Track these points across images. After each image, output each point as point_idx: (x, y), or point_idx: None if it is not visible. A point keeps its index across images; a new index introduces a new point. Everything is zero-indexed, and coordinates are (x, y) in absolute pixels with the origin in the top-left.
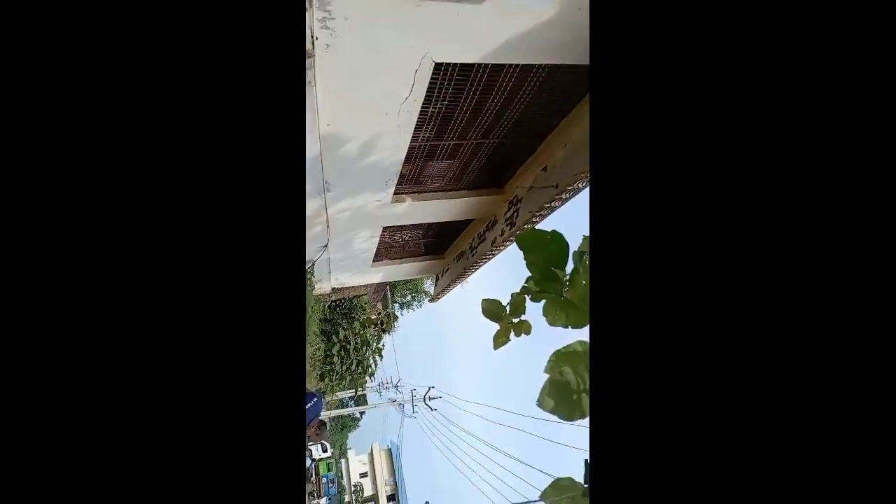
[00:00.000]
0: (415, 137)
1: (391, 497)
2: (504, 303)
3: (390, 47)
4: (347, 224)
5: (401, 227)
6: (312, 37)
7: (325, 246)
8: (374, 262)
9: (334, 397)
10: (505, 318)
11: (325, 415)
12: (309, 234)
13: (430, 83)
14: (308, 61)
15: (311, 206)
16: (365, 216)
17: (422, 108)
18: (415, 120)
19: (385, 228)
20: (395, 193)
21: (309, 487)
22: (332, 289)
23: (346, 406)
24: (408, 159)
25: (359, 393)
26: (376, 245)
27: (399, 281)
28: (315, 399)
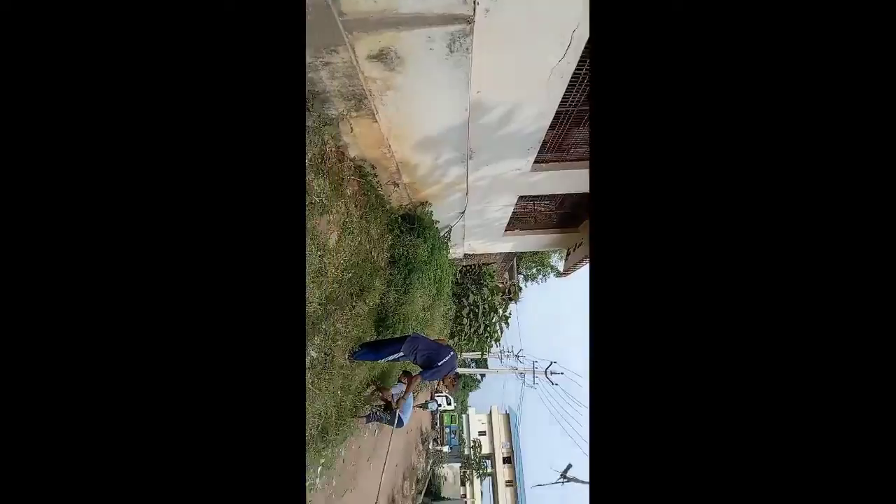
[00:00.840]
0: (562, 102)
1: (507, 459)
2: None
3: (550, 6)
4: (485, 192)
5: (536, 197)
6: (474, 2)
7: (463, 213)
8: (506, 231)
9: (459, 356)
10: None
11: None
12: (449, 199)
13: (587, 44)
14: (467, 27)
15: (454, 172)
16: (503, 184)
17: (574, 71)
18: (565, 84)
19: (521, 198)
20: (536, 162)
21: (434, 434)
22: (465, 255)
23: (469, 367)
24: (552, 126)
25: (483, 356)
26: (510, 214)
27: (526, 253)
28: (451, 353)
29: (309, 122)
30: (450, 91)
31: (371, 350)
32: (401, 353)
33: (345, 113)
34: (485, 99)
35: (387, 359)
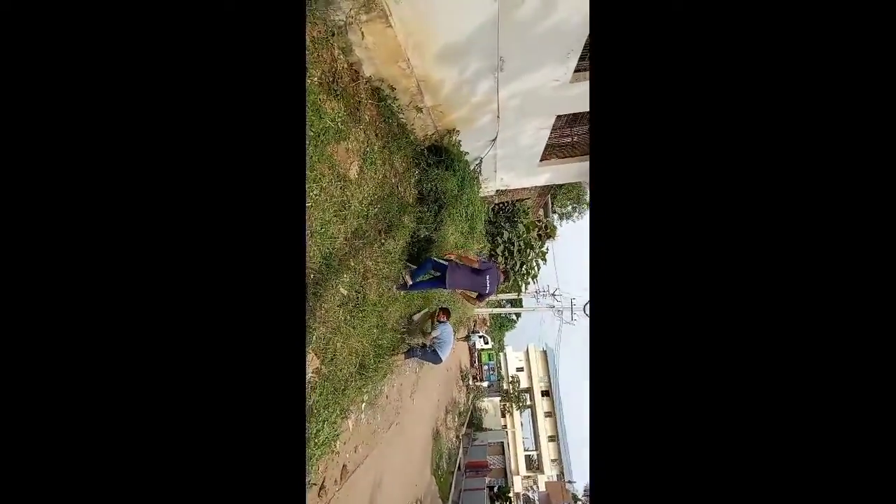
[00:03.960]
0: None
1: (545, 393)
2: None
3: None
4: (518, 112)
5: (577, 118)
6: None
7: (494, 140)
8: (541, 160)
9: (495, 297)
10: None
11: (484, 311)
12: (478, 123)
13: None
14: None
15: (483, 89)
16: (538, 101)
17: None
18: None
19: (559, 118)
20: (576, 70)
21: (473, 371)
22: (497, 191)
23: (503, 307)
24: None
25: (520, 296)
26: (546, 138)
27: (561, 189)
28: (490, 272)
29: (314, 32)
30: None
31: (416, 281)
32: (446, 289)
33: (353, 16)
34: None
35: (431, 289)
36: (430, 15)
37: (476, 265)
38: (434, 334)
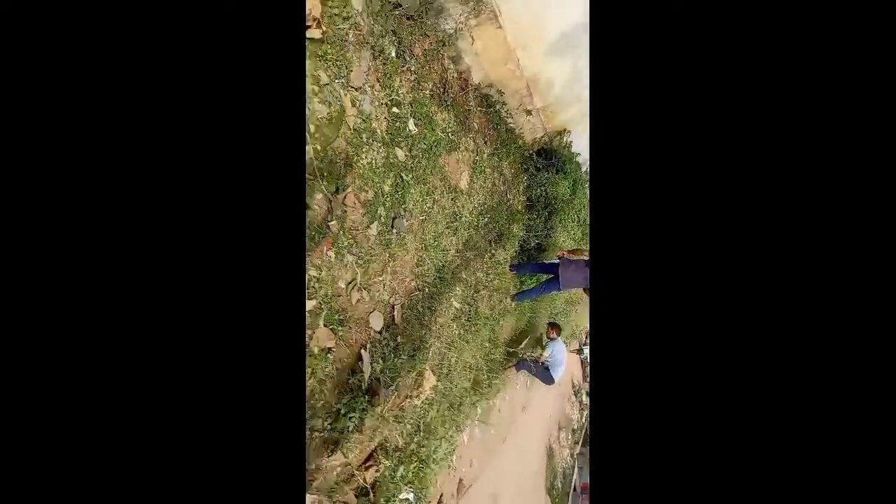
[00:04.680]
0: None
1: None
2: None
3: None
4: None
5: None
6: None
7: None
8: None
9: None
10: None
11: None
12: None
13: None
14: None
15: None
16: None
17: None
18: None
19: None
20: None
21: (586, 386)
22: None
23: None
24: None
25: None
26: None
27: None
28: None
29: (425, 45)
30: None
31: (526, 286)
32: (561, 290)
33: (463, 23)
34: None
35: (545, 294)
36: (540, 7)
37: (587, 256)
38: (545, 354)
